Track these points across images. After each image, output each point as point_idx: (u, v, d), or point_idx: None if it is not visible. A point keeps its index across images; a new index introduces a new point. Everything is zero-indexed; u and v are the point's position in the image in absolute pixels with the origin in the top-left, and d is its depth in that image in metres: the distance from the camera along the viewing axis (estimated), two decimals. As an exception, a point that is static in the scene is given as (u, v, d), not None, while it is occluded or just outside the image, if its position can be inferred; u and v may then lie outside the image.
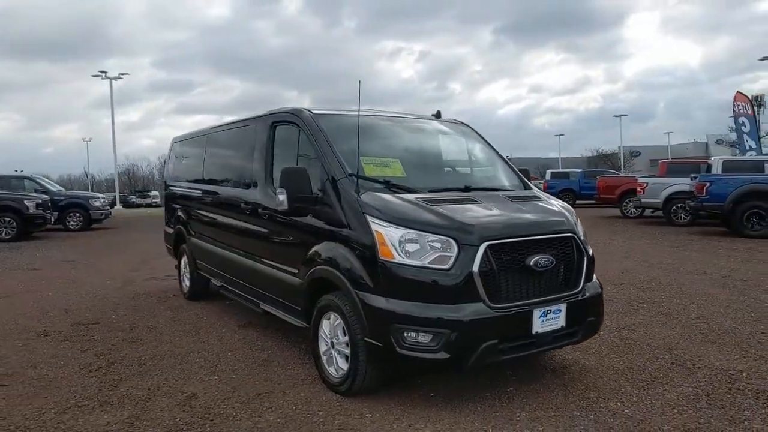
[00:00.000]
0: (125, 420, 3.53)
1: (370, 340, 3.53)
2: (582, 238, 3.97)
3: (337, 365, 3.89)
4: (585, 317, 3.87)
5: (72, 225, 18.03)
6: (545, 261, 3.59)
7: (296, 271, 4.30)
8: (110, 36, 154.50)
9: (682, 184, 15.50)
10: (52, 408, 3.74)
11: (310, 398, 3.83)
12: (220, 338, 5.32)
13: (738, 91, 22.28)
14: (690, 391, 3.83)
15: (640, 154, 66.36)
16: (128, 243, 14.79)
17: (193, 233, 6.70)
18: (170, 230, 7.57)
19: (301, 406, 3.71)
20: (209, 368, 4.48)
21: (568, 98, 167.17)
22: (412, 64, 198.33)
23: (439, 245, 3.46)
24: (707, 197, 13.08)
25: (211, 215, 6.12)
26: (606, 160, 64.12)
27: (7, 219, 14.68)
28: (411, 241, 3.48)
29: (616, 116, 61.40)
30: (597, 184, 21.52)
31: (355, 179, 3.85)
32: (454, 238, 3.45)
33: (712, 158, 15.59)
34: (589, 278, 3.97)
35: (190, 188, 6.78)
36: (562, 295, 3.71)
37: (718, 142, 56.85)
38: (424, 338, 3.37)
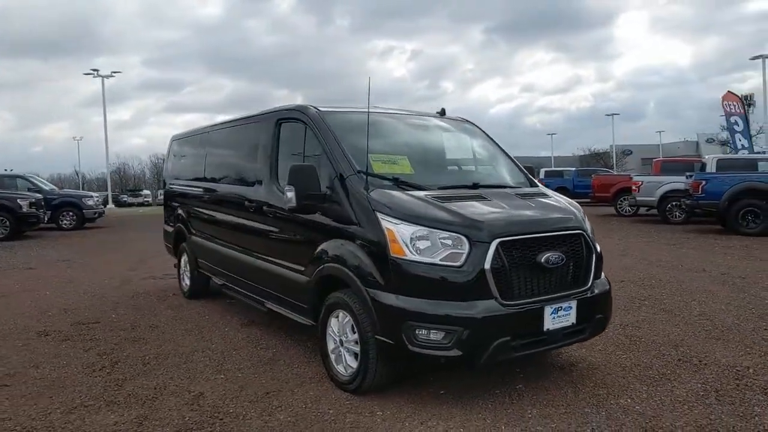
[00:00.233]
0: (133, 419, 3.49)
1: (381, 338, 3.51)
2: (591, 235, 3.97)
3: (346, 363, 3.87)
4: (594, 314, 3.86)
5: (65, 224, 17.89)
6: (556, 258, 3.58)
7: (303, 269, 4.27)
8: (100, 34, 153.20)
9: (677, 182, 15.60)
10: (58, 408, 3.69)
11: (319, 396, 3.80)
12: (224, 337, 5.28)
13: (728, 91, 22.46)
14: (699, 388, 3.84)
15: (631, 152, 66.63)
16: (123, 242, 14.69)
17: (193, 231, 6.65)
18: (170, 229, 7.51)
19: (311, 404, 3.68)
20: (215, 367, 4.44)
21: (559, 97, 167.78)
22: (404, 63, 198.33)
23: (450, 242, 3.45)
24: (703, 195, 13.17)
25: (213, 213, 6.07)
26: (598, 158, 64.40)
27: (1, 218, 14.53)
28: (422, 238, 3.47)
29: (608, 115, 61.87)
30: (592, 182, 21.61)
31: (364, 176, 3.83)
32: (465, 235, 3.43)
33: (706, 157, 15.71)
34: (597, 275, 3.96)
35: (190, 186, 6.73)
36: (572, 292, 3.71)
37: (709, 141, 57.24)
38: (436, 335, 3.36)
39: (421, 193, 3.80)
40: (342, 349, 3.92)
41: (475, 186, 4.22)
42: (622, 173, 29.22)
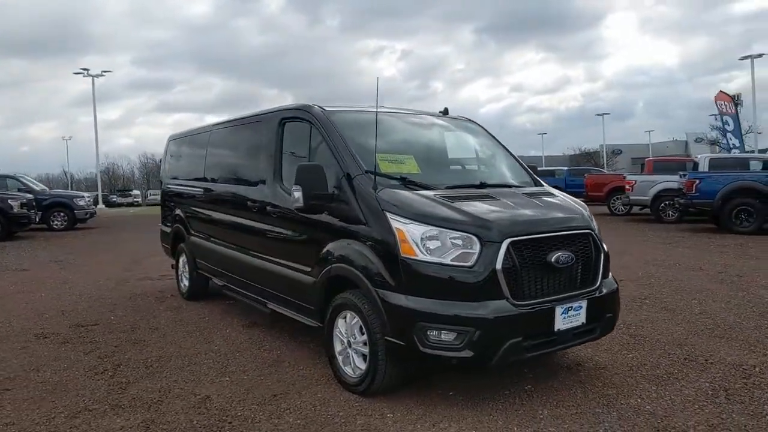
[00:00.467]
0: (140, 424, 3.44)
1: (392, 339, 3.47)
2: (598, 234, 3.96)
3: (354, 365, 3.83)
4: (603, 314, 3.86)
5: (56, 225, 17.71)
6: (566, 257, 3.57)
7: (309, 269, 4.23)
8: (89, 34, 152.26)
9: (671, 181, 15.69)
10: (62, 412, 3.63)
11: (328, 399, 3.77)
12: (226, 339, 5.22)
13: (720, 91, 22.65)
14: (707, 387, 3.84)
15: (621, 152, 67.06)
16: (116, 243, 14.55)
17: (193, 232, 6.57)
18: (167, 229, 7.43)
19: (320, 406, 3.65)
20: (219, 369, 4.39)
21: (548, 97, 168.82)
22: (395, 63, 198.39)
23: (460, 242, 3.42)
24: (697, 194, 13.26)
25: (213, 214, 6.00)
26: (588, 158, 64.74)
27: (-9, 219, 14.35)
28: (432, 238, 3.44)
29: (598, 115, 62.17)
30: (585, 181, 21.70)
31: (372, 176, 3.79)
32: (476, 235, 3.41)
33: (699, 156, 15.80)
34: (605, 275, 3.96)
35: (189, 186, 6.65)
36: (581, 291, 3.69)
37: (698, 140, 57.75)
38: (448, 336, 3.33)
39: (430, 193, 3.77)
40: (350, 351, 3.88)
41: (482, 185, 4.19)
42: (614, 172, 29.38)
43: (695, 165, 15.03)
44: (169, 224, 7.37)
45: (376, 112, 4.00)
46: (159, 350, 4.90)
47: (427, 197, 3.70)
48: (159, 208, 8.13)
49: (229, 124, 5.91)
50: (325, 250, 4.04)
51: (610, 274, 4.11)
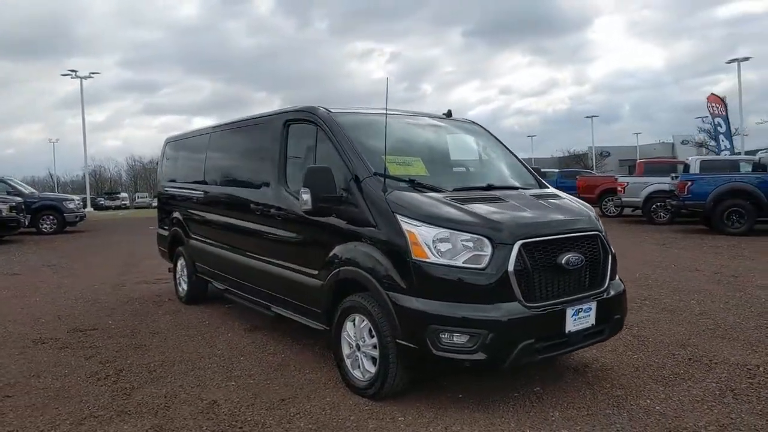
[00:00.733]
0: (148, 430, 3.39)
1: (404, 342, 3.45)
2: (605, 235, 3.98)
3: (364, 368, 3.80)
4: (612, 315, 3.87)
5: (45, 228, 17.48)
6: (576, 259, 3.57)
7: (316, 272, 4.19)
8: (75, 35, 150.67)
9: (662, 183, 15.83)
10: (66, 419, 3.57)
11: (337, 402, 3.74)
12: (229, 342, 5.17)
13: (712, 93, 22.90)
14: (714, 387, 3.86)
15: (609, 154, 67.62)
16: (108, 246, 14.39)
17: (192, 235, 6.51)
18: (164, 232, 7.35)
19: (330, 410, 3.62)
20: (224, 374, 4.34)
21: (536, 100, 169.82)
22: (384, 65, 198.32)
23: (471, 244, 3.41)
24: (689, 196, 13.37)
25: (214, 216, 5.95)
26: (577, 160, 65.15)
27: (-21, 222, 14.13)
28: (444, 240, 3.43)
29: (587, 117, 62.40)
30: (577, 183, 21.81)
31: (381, 178, 3.77)
32: (487, 237, 3.40)
33: (690, 158, 15.97)
34: (612, 276, 3.97)
35: (188, 189, 6.59)
36: (590, 293, 3.70)
37: (684, 142, 58.44)
38: (460, 339, 3.31)
39: (440, 195, 3.77)
40: (359, 354, 3.85)
41: (489, 187, 4.19)
42: (605, 174, 29.59)
43: (686, 167, 15.19)
44: (166, 227, 7.30)
45: (386, 113, 3.98)
46: (161, 355, 4.84)
47: (437, 199, 3.69)
48: (147, 211, 8.05)
49: (231, 126, 5.86)
50: (332, 252, 4.01)
51: (617, 275, 4.13)
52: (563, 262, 3.52)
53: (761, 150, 15.83)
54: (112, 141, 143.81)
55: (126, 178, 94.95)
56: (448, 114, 5.23)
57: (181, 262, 6.84)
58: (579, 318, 3.57)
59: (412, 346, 3.42)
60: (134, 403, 3.79)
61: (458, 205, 3.63)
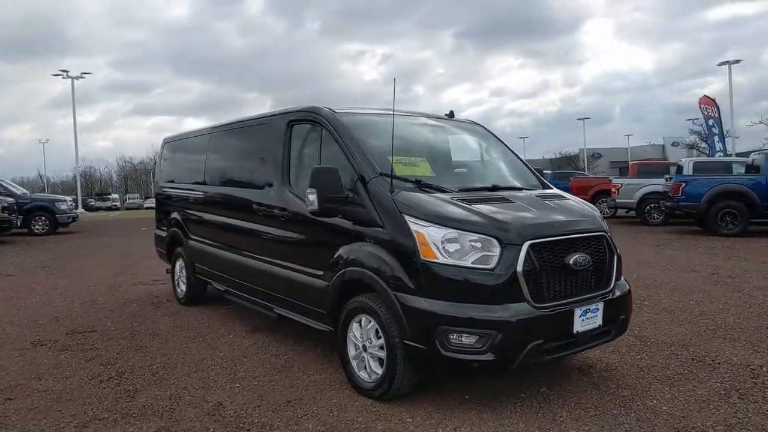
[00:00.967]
0: (155, 432, 3.35)
1: (412, 343, 3.44)
2: (611, 236, 3.99)
3: (371, 369, 3.79)
4: (618, 315, 3.88)
5: (37, 229, 17.32)
6: (583, 260, 3.58)
7: (321, 273, 4.17)
8: (65, 36, 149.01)
9: (656, 184, 15.93)
10: (71, 422, 3.53)
11: (344, 404, 3.72)
12: (230, 344, 5.13)
13: (705, 95, 23.06)
14: (719, 387, 3.88)
15: (601, 156, 67.99)
16: (100, 247, 14.29)
17: (191, 236, 6.46)
18: (162, 233, 7.30)
19: (337, 412, 3.60)
20: (228, 375, 4.31)
21: (528, 101, 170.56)
22: (375, 67, 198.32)
23: (479, 245, 3.41)
24: (683, 197, 13.47)
25: (214, 217, 5.91)
26: (569, 162, 65.46)
27: (-29, 223, 13.98)
28: (452, 240, 3.42)
29: (579, 119, 62.76)
30: (570, 184, 21.89)
31: (388, 178, 3.76)
32: (496, 237, 3.40)
33: (683, 160, 16.08)
34: (618, 277, 3.99)
35: (187, 189, 6.54)
36: (597, 293, 3.71)
37: (674, 144, 58.84)
38: (469, 339, 3.31)
39: (447, 195, 3.76)
40: (365, 355, 3.83)
41: (494, 188, 4.19)
42: (598, 176, 29.75)
43: (679, 168, 15.29)
44: (164, 228, 7.24)
45: (393, 114, 3.96)
46: (163, 357, 4.79)
47: (444, 200, 3.68)
48: (138, 212, 7.99)
49: (232, 127, 5.82)
50: (338, 253, 3.99)
51: (622, 276, 4.14)
52: (571, 262, 3.53)
53: (754, 152, 15.93)
54: (102, 142, 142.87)
55: (116, 179, 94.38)
56: (451, 115, 5.23)
57: (179, 263, 6.79)
58: (587, 318, 3.58)
59: (420, 346, 3.41)
60: (138, 406, 3.76)
61: (466, 205, 3.62)
